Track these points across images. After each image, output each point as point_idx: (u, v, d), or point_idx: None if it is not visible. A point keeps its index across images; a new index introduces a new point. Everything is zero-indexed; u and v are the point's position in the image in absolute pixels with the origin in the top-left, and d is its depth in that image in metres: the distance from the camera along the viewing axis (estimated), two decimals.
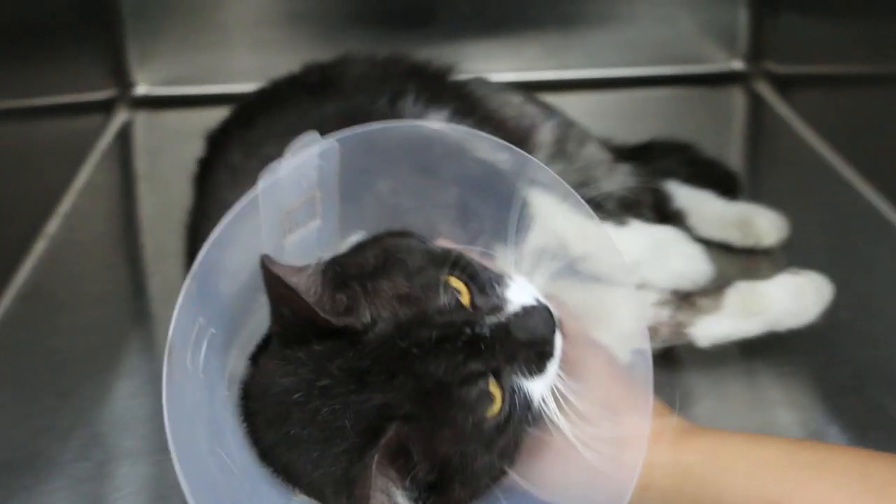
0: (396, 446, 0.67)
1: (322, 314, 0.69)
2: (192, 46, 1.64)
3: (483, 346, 0.70)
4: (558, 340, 0.73)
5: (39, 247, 1.26)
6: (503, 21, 1.67)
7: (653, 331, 0.95)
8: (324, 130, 0.76)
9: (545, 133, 1.20)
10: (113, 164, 1.49)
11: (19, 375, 1.05)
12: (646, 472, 0.74)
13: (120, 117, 1.60)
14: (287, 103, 1.14)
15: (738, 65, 1.70)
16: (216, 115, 1.59)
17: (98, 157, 1.48)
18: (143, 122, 1.61)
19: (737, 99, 1.67)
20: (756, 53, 1.68)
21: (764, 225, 1.21)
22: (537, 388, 0.72)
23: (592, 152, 1.22)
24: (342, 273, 0.74)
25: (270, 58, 1.58)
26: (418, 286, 0.73)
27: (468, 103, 1.15)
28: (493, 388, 0.70)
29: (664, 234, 1.09)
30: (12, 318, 1.13)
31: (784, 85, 1.61)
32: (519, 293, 0.74)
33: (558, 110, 1.26)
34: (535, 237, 0.79)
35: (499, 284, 0.74)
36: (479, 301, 0.73)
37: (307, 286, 0.70)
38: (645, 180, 1.23)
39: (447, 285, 0.73)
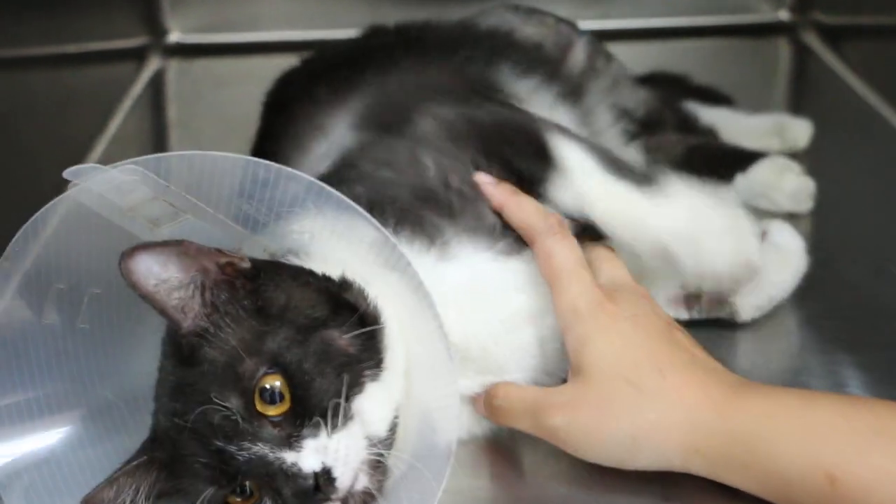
0: None
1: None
2: None
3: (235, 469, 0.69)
4: None
5: None
6: None
7: (694, 301, 0.93)
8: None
9: (579, 50, 1.19)
10: (145, 113, 1.48)
11: None
12: (692, 436, 0.71)
13: (152, 65, 1.57)
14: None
15: (784, 15, 1.65)
16: (249, 64, 1.58)
17: (130, 105, 1.46)
18: (176, 70, 1.59)
19: (783, 50, 1.63)
20: (803, 3, 1.62)
21: (797, 129, 1.26)
22: None
23: (618, 69, 1.22)
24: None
25: (304, 6, 1.55)
26: (231, 361, 0.70)
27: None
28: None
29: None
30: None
31: (832, 35, 1.56)
32: (315, 453, 0.69)
33: None
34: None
35: (312, 424, 0.69)
36: (284, 422, 0.69)
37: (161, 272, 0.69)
38: (666, 99, 1.25)
39: (264, 382, 0.70)
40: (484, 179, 0.83)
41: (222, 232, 0.76)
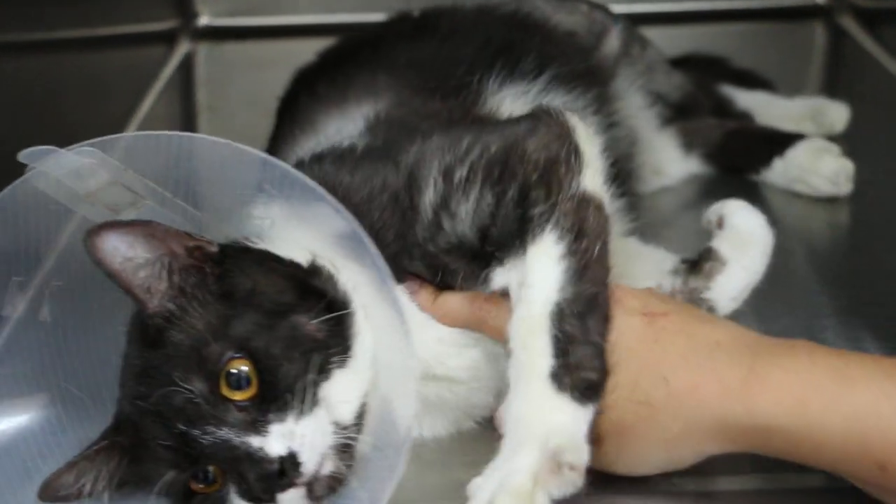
0: None
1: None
2: None
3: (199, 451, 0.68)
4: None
5: None
6: None
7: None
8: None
9: (613, 38, 1.16)
10: (175, 96, 1.48)
11: None
12: (724, 433, 0.67)
13: (182, 48, 1.57)
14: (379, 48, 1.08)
15: None
16: (279, 47, 1.57)
17: (160, 89, 1.46)
18: (206, 54, 1.58)
19: (819, 33, 1.60)
20: None
21: (834, 112, 1.23)
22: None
23: (653, 55, 1.20)
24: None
25: None
26: (207, 337, 0.69)
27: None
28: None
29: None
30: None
31: (869, 18, 1.53)
32: (281, 437, 0.68)
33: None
34: None
35: (286, 407, 0.68)
36: (250, 407, 0.69)
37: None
38: (701, 84, 1.23)
39: (230, 366, 0.69)
40: (409, 289, 0.79)
41: (182, 218, 0.76)
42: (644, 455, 0.71)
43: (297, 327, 0.71)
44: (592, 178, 0.76)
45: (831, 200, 1.10)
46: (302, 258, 0.75)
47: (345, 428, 0.70)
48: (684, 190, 1.17)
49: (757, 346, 0.69)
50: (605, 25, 1.17)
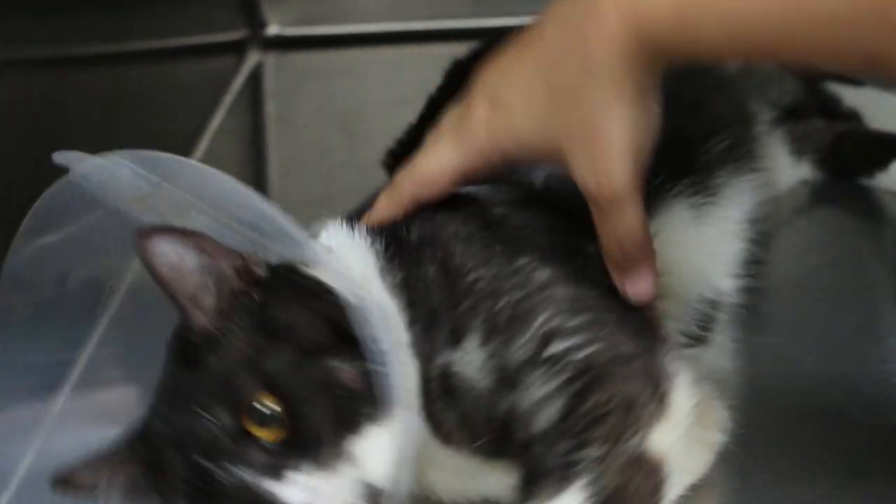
0: None
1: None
2: None
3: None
4: None
5: None
6: None
7: None
8: None
9: None
10: (246, 107, 1.44)
11: None
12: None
13: (252, 59, 1.54)
14: None
15: None
16: (348, 56, 1.54)
17: (232, 100, 1.42)
18: (274, 64, 1.54)
19: None
20: None
21: None
22: None
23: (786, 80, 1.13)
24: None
25: None
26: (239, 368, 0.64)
27: None
28: None
29: None
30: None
31: None
32: (299, 489, 0.62)
33: None
34: None
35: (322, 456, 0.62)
36: (273, 449, 0.63)
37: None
38: (808, 83, 1.15)
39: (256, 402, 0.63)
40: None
41: (230, 236, 0.70)
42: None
43: (332, 371, 0.64)
44: (664, 436, 0.66)
45: None
46: (353, 297, 0.66)
47: (374, 492, 0.63)
48: (795, 196, 1.11)
49: None
50: None
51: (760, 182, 0.94)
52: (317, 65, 1.53)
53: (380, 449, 0.64)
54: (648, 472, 0.65)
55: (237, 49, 1.53)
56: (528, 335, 0.68)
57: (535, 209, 0.77)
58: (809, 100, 1.15)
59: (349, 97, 1.39)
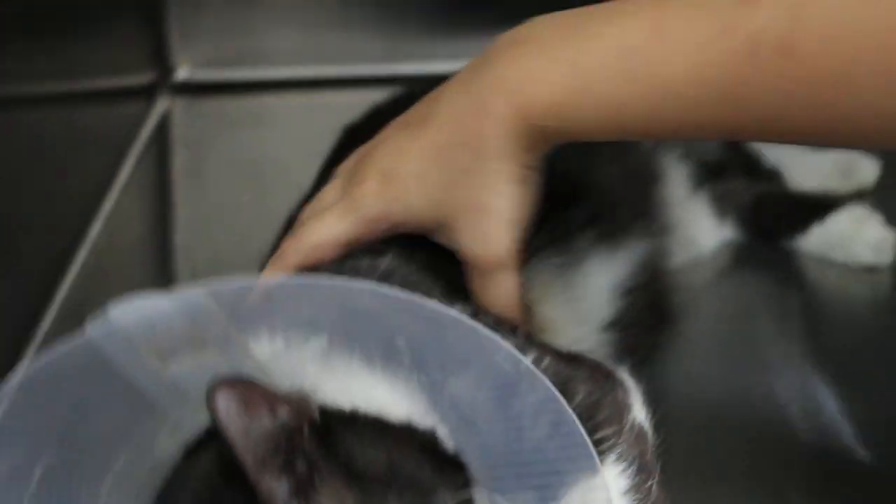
0: None
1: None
2: (237, 25, 1.52)
3: None
4: None
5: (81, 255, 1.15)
6: None
7: None
8: None
9: None
10: (154, 158, 1.38)
11: None
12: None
13: (161, 105, 1.47)
14: None
15: None
16: (260, 102, 1.50)
17: (140, 150, 1.36)
18: (183, 111, 1.49)
19: None
20: None
21: (864, 165, 1.17)
22: None
23: None
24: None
25: (320, 39, 1.48)
26: None
27: None
28: None
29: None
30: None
31: None
32: None
33: None
34: None
35: None
36: None
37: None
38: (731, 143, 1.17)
39: None
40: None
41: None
42: None
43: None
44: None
45: (870, 269, 1.07)
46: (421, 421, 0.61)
47: None
48: (716, 258, 1.13)
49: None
50: None
51: (655, 245, 0.99)
52: (228, 111, 1.48)
53: None
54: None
55: (146, 94, 1.47)
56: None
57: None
58: (731, 158, 1.16)
59: (261, 146, 1.35)
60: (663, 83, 0.63)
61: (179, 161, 1.40)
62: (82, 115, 1.27)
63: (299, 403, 0.56)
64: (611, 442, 0.66)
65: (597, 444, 0.62)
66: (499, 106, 0.69)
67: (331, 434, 0.57)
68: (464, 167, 0.71)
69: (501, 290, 0.73)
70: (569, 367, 0.70)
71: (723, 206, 1.10)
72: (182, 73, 1.51)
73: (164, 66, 1.51)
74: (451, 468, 0.58)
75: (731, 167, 1.14)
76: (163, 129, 1.44)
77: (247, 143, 1.37)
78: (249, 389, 0.54)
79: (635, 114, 0.66)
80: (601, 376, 0.72)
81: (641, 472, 0.66)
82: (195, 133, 1.45)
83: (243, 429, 0.53)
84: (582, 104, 0.67)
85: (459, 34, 1.43)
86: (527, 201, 0.72)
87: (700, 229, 1.10)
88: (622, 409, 0.70)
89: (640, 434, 0.69)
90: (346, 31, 1.47)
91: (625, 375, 0.75)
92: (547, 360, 0.68)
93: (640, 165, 1.05)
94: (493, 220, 0.71)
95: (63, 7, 1.19)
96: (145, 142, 1.39)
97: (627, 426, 0.68)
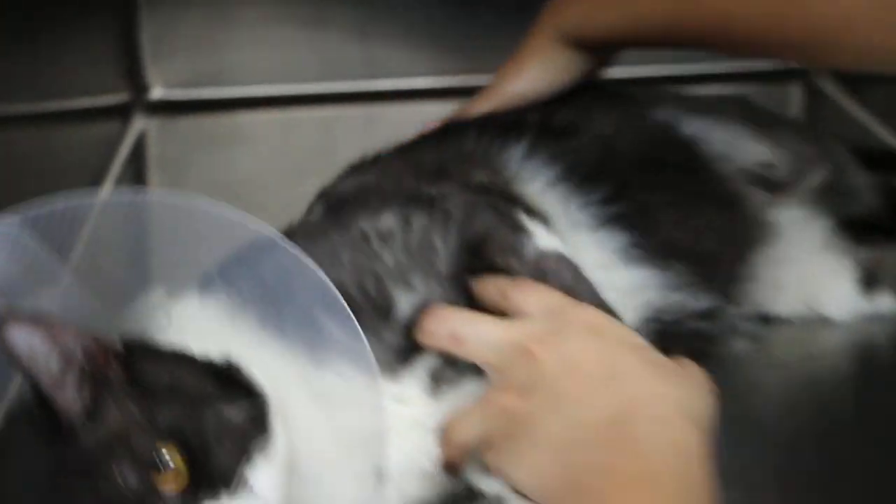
0: None
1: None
2: (211, 44, 1.52)
3: None
4: None
5: None
6: None
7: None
8: None
9: (815, 178, 1.01)
10: (131, 179, 1.37)
11: None
12: None
13: (137, 124, 1.47)
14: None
15: None
16: (237, 121, 1.49)
17: (118, 171, 1.35)
18: (159, 130, 1.48)
19: (794, 95, 1.57)
20: None
21: None
22: None
23: (851, 174, 1.04)
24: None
25: (296, 56, 1.47)
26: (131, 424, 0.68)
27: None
28: None
29: None
30: None
31: (850, 80, 1.50)
32: None
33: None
34: None
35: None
36: (181, 495, 0.67)
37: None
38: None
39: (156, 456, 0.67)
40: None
41: (78, 305, 0.76)
42: None
43: (221, 415, 0.71)
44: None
45: None
46: (215, 353, 0.75)
47: None
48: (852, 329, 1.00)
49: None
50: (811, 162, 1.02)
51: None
52: (205, 130, 1.47)
53: (269, 474, 0.70)
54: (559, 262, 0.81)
55: (121, 114, 1.46)
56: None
57: None
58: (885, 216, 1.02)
59: (238, 164, 1.34)
60: None
61: (156, 180, 1.39)
62: (58, 135, 1.26)
63: (97, 337, 0.71)
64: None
65: (492, 270, 0.79)
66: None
67: (130, 362, 0.71)
68: None
69: None
70: (476, 196, 0.85)
71: (874, 273, 0.98)
72: (157, 93, 1.50)
73: (138, 85, 1.50)
74: (234, 387, 0.73)
75: (883, 228, 1.03)
76: (139, 149, 1.43)
77: (223, 161, 1.37)
78: (41, 322, 0.68)
79: None
80: (506, 215, 0.83)
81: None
82: (171, 152, 1.45)
83: (36, 353, 0.67)
84: None
85: (437, 51, 1.43)
86: None
87: (829, 290, 1.00)
88: (515, 245, 0.81)
89: (540, 269, 0.80)
90: (321, 48, 1.46)
91: (536, 227, 0.83)
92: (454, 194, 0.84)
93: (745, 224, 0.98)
94: None
95: (36, 28, 1.18)
96: (122, 161, 1.38)
97: (523, 261, 0.80)
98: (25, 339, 0.66)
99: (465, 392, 0.78)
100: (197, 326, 0.77)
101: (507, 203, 0.86)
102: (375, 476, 0.75)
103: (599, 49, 1.04)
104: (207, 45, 1.50)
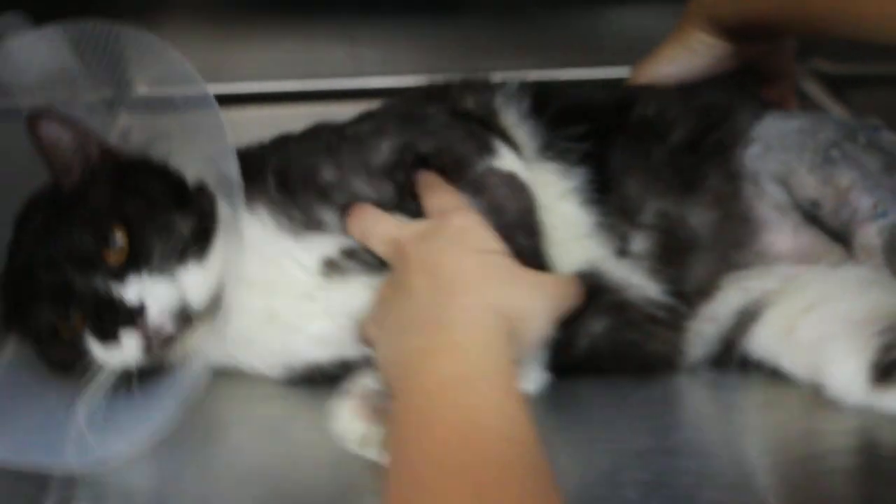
0: None
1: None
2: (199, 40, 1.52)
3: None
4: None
5: None
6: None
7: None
8: None
9: (872, 236, 0.91)
10: None
11: None
12: None
13: (121, 121, 1.45)
14: None
15: None
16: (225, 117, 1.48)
17: None
18: (143, 128, 1.46)
19: None
20: (803, 51, 1.56)
21: None
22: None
23: None
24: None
25: (285, 53, 1.47)
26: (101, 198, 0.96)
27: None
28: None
29: None
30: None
31: (835, 84, 1.50)
32: (137, 289, 0.91)
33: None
34: None
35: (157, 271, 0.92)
36: (121, 265, 0.92)
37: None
38: None
39: (110, 233, 0.93)
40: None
41: (88, 111, 1.09)
42: None
43: (172, 221, 0.95)
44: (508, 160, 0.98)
45: None
46: (191, 177, 1.02)
47: (190, 308, 0.92)
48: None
49: None
50: (862, 215, 0.92)
51: None
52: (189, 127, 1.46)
53: (198, 279, 0.93)
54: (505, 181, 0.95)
55: (105, 110, 1.44)
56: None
57: None
58: None
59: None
60: None
61: None
62: None
63: (108, 146, 1.03)
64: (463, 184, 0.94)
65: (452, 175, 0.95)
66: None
67: (125, 166, 1.02)
68: None
69: None
70: (456, 119, 1.01)
71: (891, 364, 0.88)
72: (141, 90, 1.49)
73: (120, 81, 1.48)
74: (192, 205, 0.98)
75: None
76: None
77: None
78: (63, 122, 0.98)
79: None
80: (477, 136, 0.97)
81: (493, 213, 0.91)
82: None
83: (59, 146, 0.98)
84: None
85: (422, 48, 1.43)
86: None
87: (834, 375, 0.90)
88: (466, 160, 0.95)
89: (479, 183, 0.94)
90: (309, 45, 1.46)
91: (503, 149, 0.96)
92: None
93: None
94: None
95: None
96: None
97: (467, 174, 0.94)
98: (55, 133, 0.97)
99: (353, 283, 0.96)
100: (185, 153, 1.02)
101: (483, 127, 0.99)
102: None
103: (738, 34, 1.09)
104: (195, 43, 1.50)
